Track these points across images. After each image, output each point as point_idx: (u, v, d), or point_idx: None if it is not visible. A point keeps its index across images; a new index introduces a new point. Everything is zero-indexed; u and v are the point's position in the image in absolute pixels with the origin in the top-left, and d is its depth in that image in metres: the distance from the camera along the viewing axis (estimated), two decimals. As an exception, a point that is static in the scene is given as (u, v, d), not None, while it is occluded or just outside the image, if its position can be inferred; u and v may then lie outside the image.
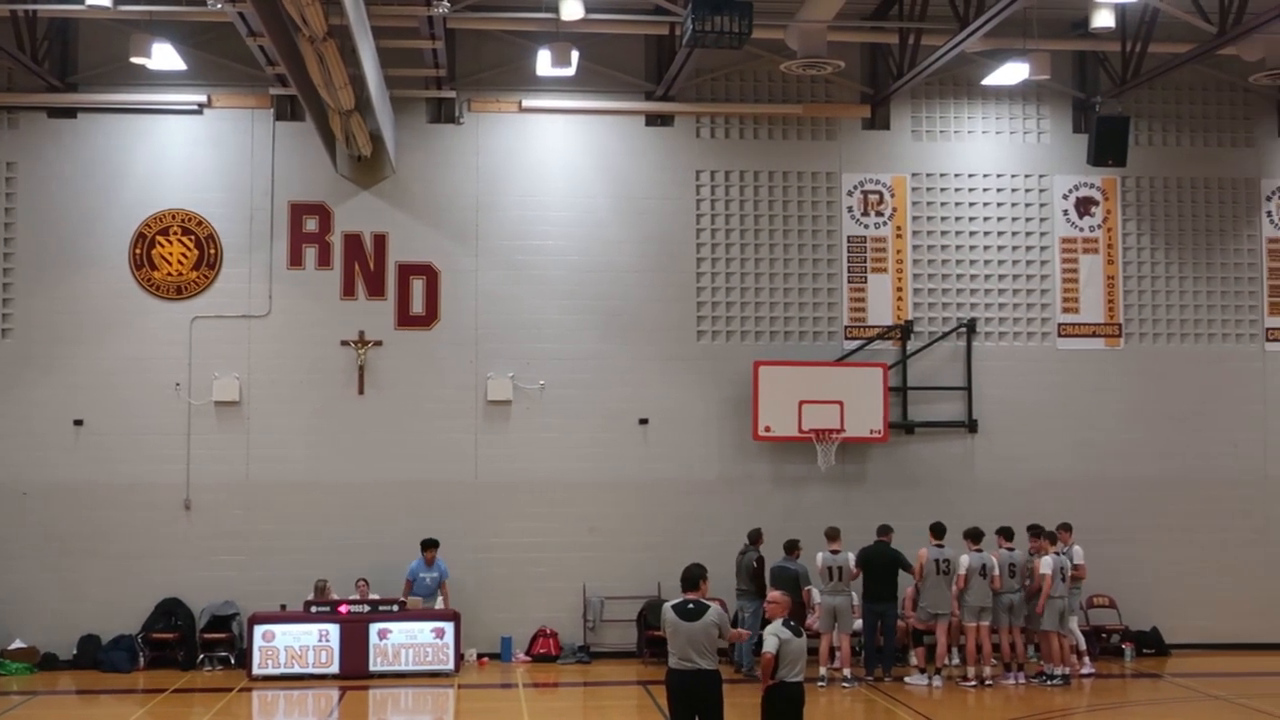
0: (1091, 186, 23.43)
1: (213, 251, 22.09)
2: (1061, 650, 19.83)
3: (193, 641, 21.28)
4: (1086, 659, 20.72)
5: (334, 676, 20.02)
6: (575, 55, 20.23)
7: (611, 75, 22.69)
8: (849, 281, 23.00)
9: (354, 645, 20.12)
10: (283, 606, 20.76)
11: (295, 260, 22.20)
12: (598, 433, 22.39)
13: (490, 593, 21.72)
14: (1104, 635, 22.30)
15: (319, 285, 22.20)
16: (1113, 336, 23.37)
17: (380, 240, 22.32)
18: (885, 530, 20.42)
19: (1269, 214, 23.75)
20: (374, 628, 20.23)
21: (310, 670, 20.07)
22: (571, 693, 20.04)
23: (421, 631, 20.38)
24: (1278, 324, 23.61)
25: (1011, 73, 21.31)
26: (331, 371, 22.12)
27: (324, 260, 22.24)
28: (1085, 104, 23.13)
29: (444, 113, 22.55)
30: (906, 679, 19.92)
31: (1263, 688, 19.65)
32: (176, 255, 22.05)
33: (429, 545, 21.24)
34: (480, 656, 21.55)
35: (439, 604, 21.01)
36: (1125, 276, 23.43)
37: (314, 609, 20.39)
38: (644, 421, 22.47)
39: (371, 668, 20.14)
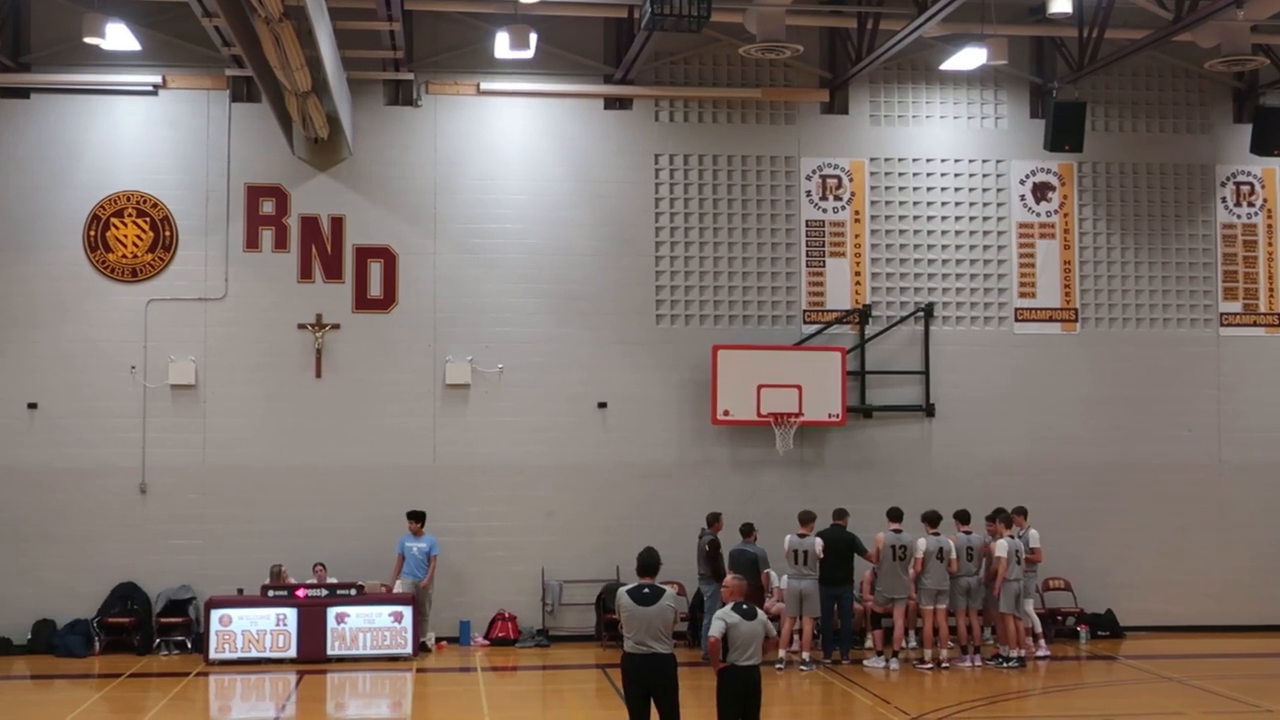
0: (1048, 172, 23.55)
1: (168, 234, 21.93)
2: (1017, 633, 19.96)
3: (149, 626, 21.17)
4: (1042, 641, 20.88)
5: (291, 661, 19.98)
6: (534, 38, 20.17)
7: (570, 58, 22.63)
8: (807, 266, 23.04)
9: (311, 629, 20.07)
10: (240, 591, 20.67)
11: (252, 243, 22.07)
12: (556, 417, 22.37)
13: (448, 576, 21.66)
14: (1059, 618, 22.47)
15: (276, 268, 22.07)
16: (1069, 321, 23.50)
17: (337, 223, 22.21)
18: (842, 514, 20.50)
19: (1223, 200, 23.94)
20: (331, 612, 20.18)
21: (267, 655, 20.00)
22: (530, 676, 20.05)
23: (379, 615, 20.34)
24: (1232, 309, 23.82)
25: (969, 58, 21.39)
26: (288, 355, 22.01)
27: (281, 243, 22.12)
28: (1042, 89, 23.23)
29: (402, 95, 22.43)
30: (864, 662, 20.03)
31: (1215, 670, 19.85)
32: (131, 237, 21.88)
33: (415, 517, 21.17)
34: (438, 640, 21.51)
35: (426, 578, 20.98)
36: (1081, 262, 23.56)
37: (271, 593, 20.32)
38: (603, 405, 22.47)
39: (329, 652, 20.11)
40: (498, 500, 21.83)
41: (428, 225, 22.34)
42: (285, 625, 20.11)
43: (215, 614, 20.06)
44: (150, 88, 21.94)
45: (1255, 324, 23.83)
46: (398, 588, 20.84)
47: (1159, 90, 23.96)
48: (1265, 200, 24.00)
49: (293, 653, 20.04)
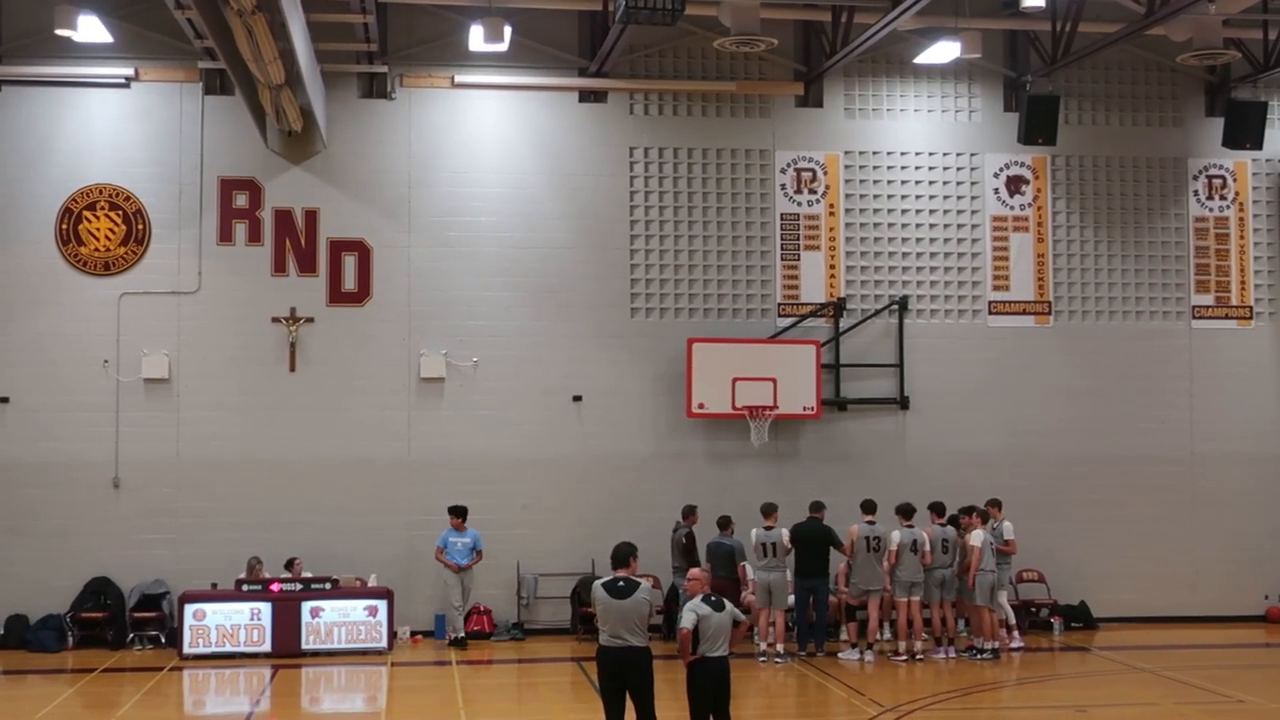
0: (1022, 165, 23.62)
1: (141, 227, 21.83)
2: (991, 625, 20.05)
3: (122, 621, 21.10)
4: (1016, 633, 20.97)
5: (266, 655, 19.95)
6: (508, 30, 20.12)
7: (545, 51, 22.61)
8: (782, 259, 23.07)
9: (286, 623, 20.05)
10: (214, 585, 20.64)
11: (225, 236, 21.99)
12: (531, 410, 22.37)
13: (424, 570, 21.63)
14: (1033, 609, 22.57)
15: (249, 261, 22.00)
16: (1042, 314, 23.59)
17: (311, 216, 22.14)
18: (818, 507, 20.52)
19: (1195, 193, 24.05)
20: (306, 606, 20.17)
21: (242, 649, 19.98)
22: (505, 670, 20.05)
23: (354, 609, 20.35)
24: (1204, 302, 23.94)
25: (943, 51, 21.49)
26: (262, 349, 21.94)
27: (254, 236, 22.04)
28: (1016, 83, 23.29)
29: (376, 88, 22.37)
30: (839, 654, 20.07)
31: (1188, 660, 19.96)
32: (104, 231, 21.78)
33: (458, 512, 21.16)
34: (414, 634, 21.50)
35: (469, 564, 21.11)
36: (1055, 254, 23.65)
37: (245, 587, 20.28)
38: (578, 399, 22.47)
39: (304, 646, 20.10)
40: (472, 494, 21.74)
41: (402, 218, 22.30)
42: (259, 619, 20.07)
43: (189, 608, 20.00)
44: (122, 80, 21.82)
45: (1227, 316, 23.97)
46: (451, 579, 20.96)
47: (1132, 84, 24.06)
48: (1237, 193, 24.11)
49: (267, 647, 20.00)
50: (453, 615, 21.16)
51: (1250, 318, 24.04)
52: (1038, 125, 22.06)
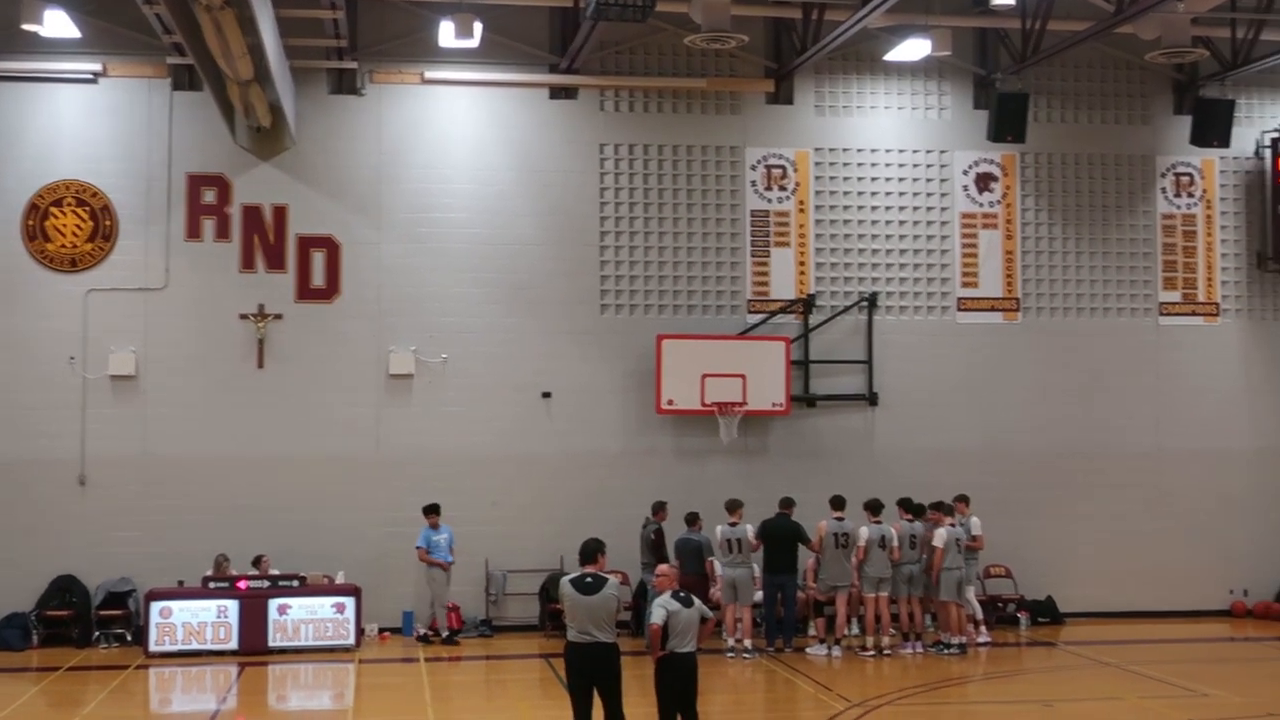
0: (991, 162, 23.70)
1: (108, 223, 21.72)
2: (959, 620, 20.12)
3: (88, 619, 20.98)
4: (983, 628, 21.06)
5: (232, 653, 19.89)
6: (478, 27, 20.13)
7: (515, 47, 22.57)
8: (752, 255, 23.10)
9: (253, 621, 20.00)
10: (180, 583, 20.58)
11: (193, 232, 21.90)
12: (501, 406, 22.34)
13: (392, 567, 21.58)
14: (1000, 604, 22.66)
15: (217, 258, 21.91)
16: (1011, 311, 23.67)
17: (280, 212, 22.07)
18: (787, 503, 20.57)
19: (1163, 190, 24.17)
20: (273, 603, 20.12)
21: (208, 646, 19.91)
22: (473, 666, 20.03)
23: (322, 607, 20.31)
24: (1171, 299, 24.06)
25: (913, 49, 21.55)
26: (230, 345, 21.86)
27: (222, 233, 21.96)
28: (985, 80, 23.37)
29: (345, 84, 22.30)
30: (807, 649, 20.12)
31: (1153, 655, 20.07)
32: (71, 227, 21.66)
33: (433, 510, 21.08)
34: (382, 631, 21.47)
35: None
36: (1024, 251, 23.74)
37: (212, 585, 20.21)
38: (547, 395, 22.45)
39: (271, 643, 20.04)
40: (442, 491, 21.66)
41: (372, 215, 22.25)
42: (226, 617, 20.01)
43: (155, 606, 19.91)
44: (90, 75, 21.71)
45: (1194, 313, 24.10)
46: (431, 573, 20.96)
47: (1100, 81, 24.16)
48: (1204, 191, 24.24)
49: (234, 644, 19.94)
50: (440, 613, 21.11)
51: (1217, 315, 24.17)
52: (1007, 123, 22.16)
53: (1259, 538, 23.82)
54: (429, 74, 22.37)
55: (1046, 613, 22.89)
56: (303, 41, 21.13)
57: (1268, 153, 24.12)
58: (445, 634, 21.03)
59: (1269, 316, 24.28)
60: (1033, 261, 23.75)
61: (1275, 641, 21.66)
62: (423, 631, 21.21)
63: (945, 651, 19.93)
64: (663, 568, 13.58)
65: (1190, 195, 24.22)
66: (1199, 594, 23.65)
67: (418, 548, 21.06)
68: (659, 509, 20.95)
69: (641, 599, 20.53)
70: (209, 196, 21.95)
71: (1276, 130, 24.10)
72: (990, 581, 22.75)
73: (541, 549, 21.87)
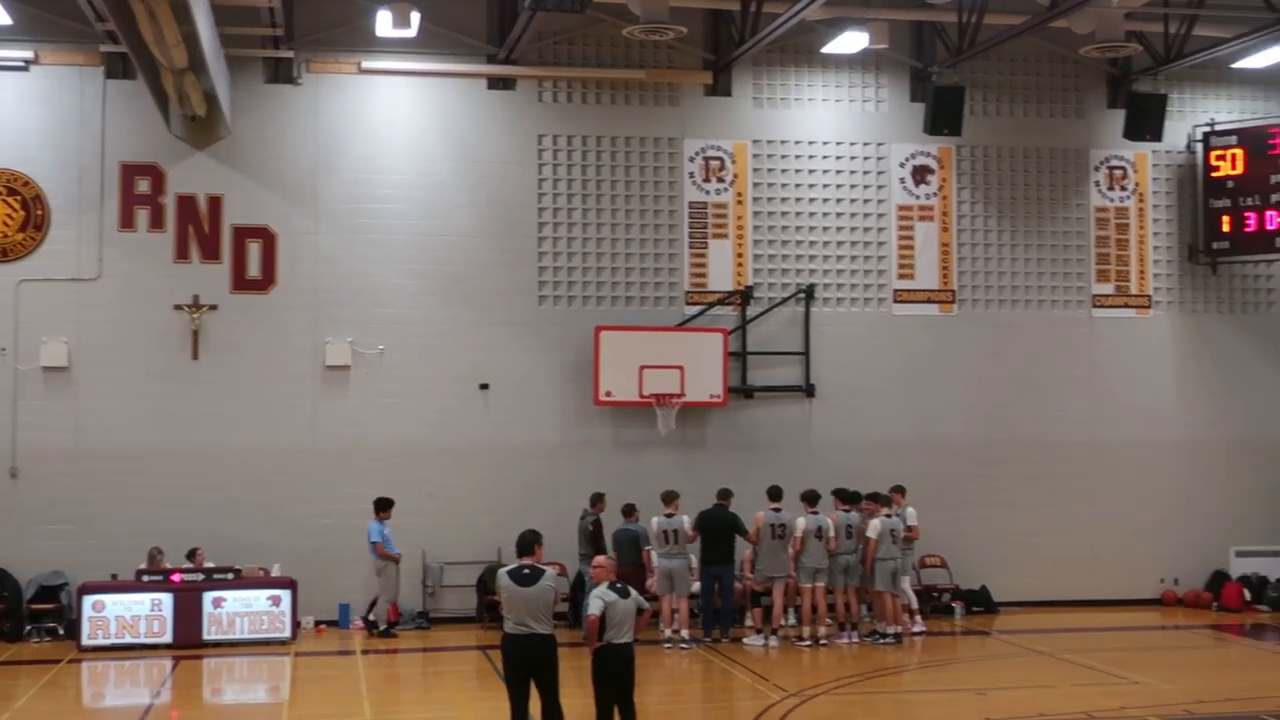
0: (928, 155, 23.85)
1: (40, 213, 21.46)
2: (894, 609, 20.26)
3: (19, 613, 20.75)
4: (918, 618, 21.21)
5: (166, 646, 19.74)
6: (416, 16, 20.05)
7: (453, 37, 22.49)
8: (690, 247, 23.14)
9: (187, 614, 19.85)
10: (114, 576, 20.39)
11: (127, 222, 21.68)
12: (438, 398, 22.27)
13: (328, 560, 21.47)
14: (935, 594, 22.85)
15: (151, 248, 21.71)
16: (947, 303, 23.85)
17: (215, 202, 21.89)
18: (725, 494, 20.63)
19: (1097, 184, 24.41)
20: (208, 596, 19.98)
21: (142, 640, 19.75)
22: (410, 659, 19.97)
23: (257, 599, 20.18)
24: (1104, 291, 24.32)
25: (851, 41, 21.65)
26: (165, 336, 21.66)
27: (157, 223, 21.75)
28: (922, 74, 23.51)
29: (281, 73, 22.15)
30: (743, 640, 20.18)
31: (1086, 643, 20.27)
32: (1, 216, 21.39)
33: (386, 505, 20.95)
34: (318, 624, 21.36)
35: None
36: (959, 244, 23.92)
37: (146, 578, 20.04)
38: (485, 387, 22.40)
39: (206, 637, 19.92)
40: (379, 483, 21.55)
41: (308, 205, 22.11)
42: (160, 610, 19.84)
43: (88, 600, 19.73)
44: (21, 63, 21.45)
45: (1126, 305, 24.37)
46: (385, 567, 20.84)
47: (1036, 75, 24.37)
48: (1137, 184, 24.51)
49: (168, 638, 19.79)
50: (383, 606, 21.01)
51: (1149, 307, 24.45)
52: (943, 116, 22.30)
53: (1189, 527, 24.13)
54: (366, 64, 22.25)
55: (981, 602, 23.10)
56: (238, 30, 20.96)
57: (1199, 147, 24.42)
58: (383, 626, 20.94)
59: (1200, 309, 24.60)
60: (968, 254, 23.93)
61: (1205, 629, 21.98)
62: (383, 626, 21.03)
63: (881, 641, 20.07)
64: (599, 559, 13.60)
65: (1123, 188, 24.48)
66: (1131, 583, 23.95)
67: (375, 542, 20.92)
68: (597, 500, 20.98)
69: (579, 590, 20.54)
70: (143, 186, 21.74)
71: (1208, 124, 24.40)
72: (925, 571, 22.93)
73: (479, 541, 21.82)
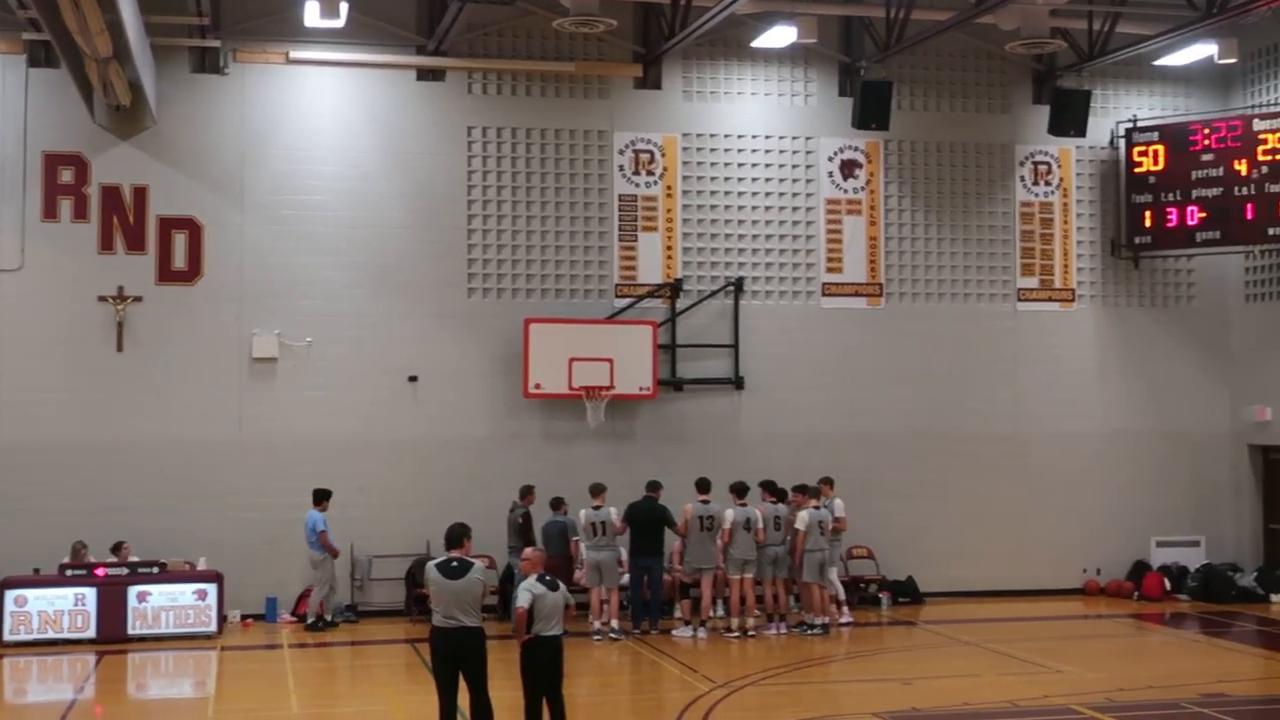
0: (856, 149, 24.00)
1: (-40, 202, 21.17)
2: (821, 601, 20.41)
3: (-60, 608, 20.45)
4: (845, 609, 21.38)
5: (90, 641, 19.54)
6: (344, 7, 19.88)
7: (382, 28, 22.36)
8: (620, 240, 23.17)
9: (112, 609, 19.67)
10: (36, 570, 20.13)
11: (49, 213, 21.41)
12: (367, 391, 22.16)
13: (255, 553, 21.35)
14: (862, 585, 23.02)
15: (75, 239, 21.45)
16: (874, 296, 24.02)
17: (140, 193, 21.66)
18: (654, 486, 20.69)
19: (1022, 179, 24.67)
20: (133, 590, 19.80)
21: (65, 635, 19.54)
22: (338, 652, 19.88)
23: (183, 593, 20.04)
24: (1029, 285, 24.58)
25: (780, 35, 21.74)
26: (88, 328, 21.42)
27: (80, 213, 21.50)
28: (851, 68, 23.65)
29: (208, 63, 21.93)
30: (672, 631, 20.28)
31: (1011, 633, 20.55)
32: (-80, 205, 21.08)
33: (326, 496, 20.85)
34: (244, 618, 21.22)
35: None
36: (887, 238, 24.09)
37: (69, 572, 19.82)
38: (414, 379, 22.32)
39: (130, 631, 19.74)
40: (306, 476, 21.42)
41: (235, 196, 21.93)
42: (84, 605, 19.64)
43: (9, 595, 19.49)
44: (-60, 50, 21.14)
45: (1050, 299, 24.65)
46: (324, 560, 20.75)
47: (962, 71, 24.58)
48: (1061, 179, 24.79)
49: (92, 633, 19.60)
50: (318, 598, 20.91)
51: (1072, 300, 24.76)
52: (871, 110, 22.42)
53: (1111, 518, 24.47)
54: (294, 54, 22.09)
55: (907, 593, 23.31)
56: (164, 19, 20.74)
57: (1122, 143, 24.74)
58: (312, 620, 20.81)
59: (1122, 302, 24.93)
60: (896, 248, 24.12)
61: (1126, 619, 22.31)
62: (311, 619, 20.89)
63: (809, 632, 20.22)
64: (528, 551, 13.64)
65: (1048, 184, 24.76)
66: (1054, 573, 24.25)
67: (322, 531, 20.79)
68: (526, 493, 20.98)
69: (509, 583, 20.55)
70: (66, 176, 21.47)
71: (1130, 121, 24.71)
72: (853, 563, 23.11)
73: (407, 534, 21.76)
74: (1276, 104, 24.03)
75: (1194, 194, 24.00)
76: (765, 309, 23.57)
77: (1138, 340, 24.89)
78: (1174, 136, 24.24)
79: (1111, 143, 24.89)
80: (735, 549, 20.18)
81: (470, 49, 22.74)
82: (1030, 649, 19.10)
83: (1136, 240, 24.54)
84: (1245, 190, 23.55)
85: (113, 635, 19.58)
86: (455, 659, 12.70)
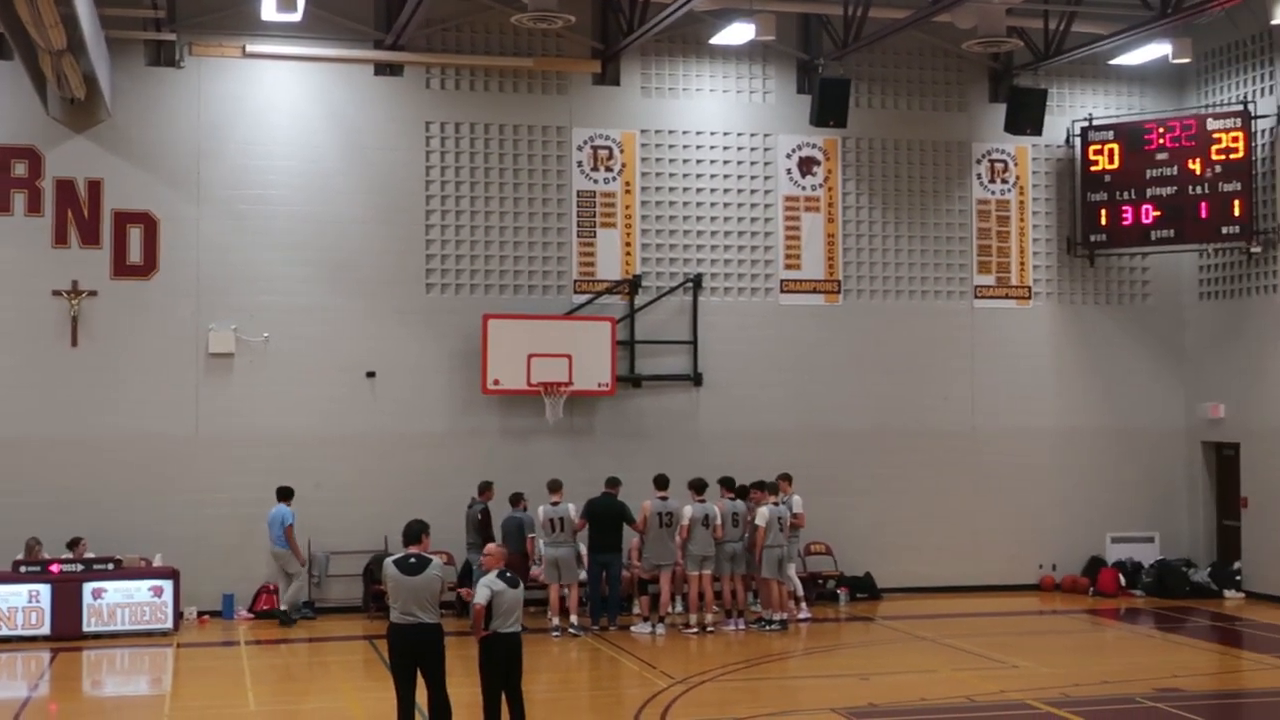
0: (814, 146, 24.06)
1: (-88, 195, 20.96)
2: (780, 597, 20.47)
3: (-109, 605, 20.25)
4: (803, 604, 21.46)
5: (45, 638, 19.39)
6: (301, 1, 19.76)
7: (339, 22, 22.27)
8: (578, 236, 23.15)
9: (67, 605, 19.53)
10: (-11, 567, 19.99)
11: (3, 206, 21.23)
12: (325, 386, 22.07)
13: (212, 549, 21.24)
14: (820, 581, 23.10)
15: (28, 233, 21.27)
16: (832, 293, 24.10)
17: (95, 187, 21.50)
18: (613, 483, 20.71)
19: (979, 176, 24.80)
20: (88, 587, 19.67)
21: (19, 632, 19.39)
22: (295, 649, 19.80)
23: (139, 590, 19.92)
24: (985, 282, 24.71)
25: (738, 33, 21.78)
26: (42, 323, 21.25)
27: (34, 206, 21.32)
28: (809, 66, 23.71)
29: (164, 56, 21.78)
30: (631, 628, 20.29)
31: (967, 628, 20.68)
32: None
33: (291, 493, 20.82)
34: (201, 614, 21.11)
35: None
36: (844, 235, 24.17)
37: (23, 569, 19.66)
38: (372, 375, 22.24)
39: (86, 628, 19.61)
40: (263, 471, 21.35)
41: (191, 190, 21.79)
42: (38, 602, 19.48)
43: (-37, 592, 19.35)
44: (-109, 41, 20.91)
45: (1007, 296, 24.79)
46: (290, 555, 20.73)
47: (920, 69, 24.68)
48: (1017, 177, 24.94)
49: (46, 630, 19.45)
50: (296, 591, 20.90)
51: (1029, 298, 24.91)
52: (829, 108, 22.50)
53: (1067, 514, 24.64)
54: (251, 47, 21.96)
55: (865, 588, 23.40)
56: (119, 11, 20.60)
57: (1078, 141, 24.89)
58: (286, 608, 20.76)
59: (1078, 300, 25.10)
60: (853, 244, 24.20)
61: (1081, 614, 22.49)
62: (284, 606, 20.86)
63: (767, 628, 20.28)
64: (490, 547, 13.62)
65: (1004, 182, 24.90)
66: (1010, 569, 24.40)
67: (289, 525, 20.70)
68: (485, 489, 20.96)
69: (467, 579, 20.49)
70: (19, 169, 21.29)
71: (1086, 119, 24.88)
72: (811, 559, 23.18)
73: (365, 530, 21.68)
74: (1230, 104, 24.23)
75: (1149, 193, 24.18)
76: (724, 305, 23.61)
77: (1093, 338, 25.07)
78: (1129, 135, 24.42)
79: (1067, 141, 25.05)
80: (694, 545, 20.21)
81: (428, 44, 22.67)
82: (986, 644, 19.24)
83: (1092, 238, 24.71)
84: (1199, 189, 23.76)
85: (68, 632, 19.45)
86: (413, 655, 12.68)
